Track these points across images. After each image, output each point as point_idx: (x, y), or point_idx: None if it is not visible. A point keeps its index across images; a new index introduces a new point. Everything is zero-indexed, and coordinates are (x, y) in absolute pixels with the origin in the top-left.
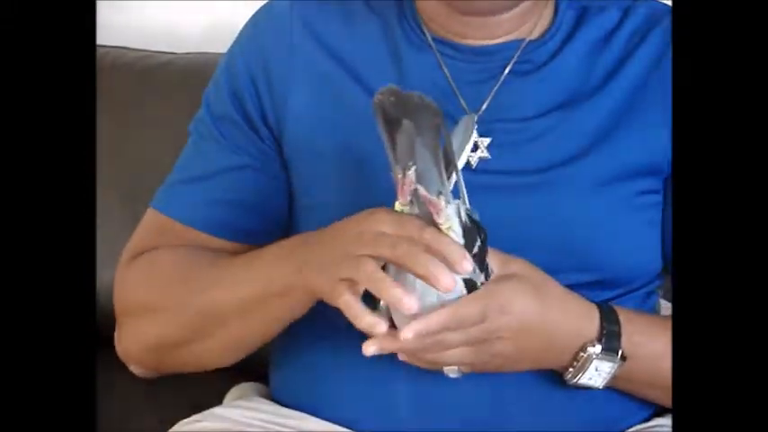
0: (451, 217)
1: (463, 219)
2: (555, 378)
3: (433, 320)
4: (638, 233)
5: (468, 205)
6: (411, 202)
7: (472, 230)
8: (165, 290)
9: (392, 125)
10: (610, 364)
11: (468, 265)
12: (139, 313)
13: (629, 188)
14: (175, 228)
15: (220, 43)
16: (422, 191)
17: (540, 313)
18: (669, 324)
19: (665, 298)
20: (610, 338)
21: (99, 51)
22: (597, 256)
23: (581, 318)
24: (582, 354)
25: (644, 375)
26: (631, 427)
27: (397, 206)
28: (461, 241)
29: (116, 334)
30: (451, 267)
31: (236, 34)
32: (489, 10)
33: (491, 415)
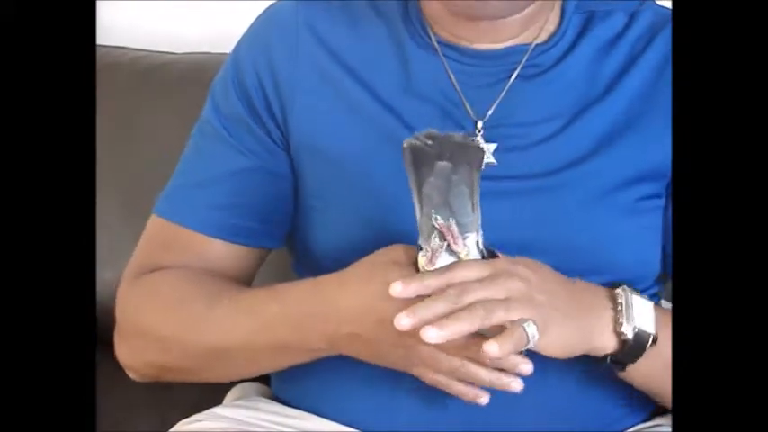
0: (470, 246)
1: (481, 248)
2: (555, 379)
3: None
4: (641, 237)
5: (481, 236)
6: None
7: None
8: (172, 322)
9: (423, 168)
10: (646, 303)
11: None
12: (143, 338)
13: (633, 192)
14: (181, 235)
15: (220, 43)
16: (440, 222)
17: (552, 273)
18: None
19: (666, 299)
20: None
21: (99, 51)
22: (602, 260)
23: (591, 287)
24: (618, 291)
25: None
26: (631, 426)
27: (420, 260)
28: None
29: (115, 343)
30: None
31: (235, 35)
32: (493, 14)
33: (492, 416)
